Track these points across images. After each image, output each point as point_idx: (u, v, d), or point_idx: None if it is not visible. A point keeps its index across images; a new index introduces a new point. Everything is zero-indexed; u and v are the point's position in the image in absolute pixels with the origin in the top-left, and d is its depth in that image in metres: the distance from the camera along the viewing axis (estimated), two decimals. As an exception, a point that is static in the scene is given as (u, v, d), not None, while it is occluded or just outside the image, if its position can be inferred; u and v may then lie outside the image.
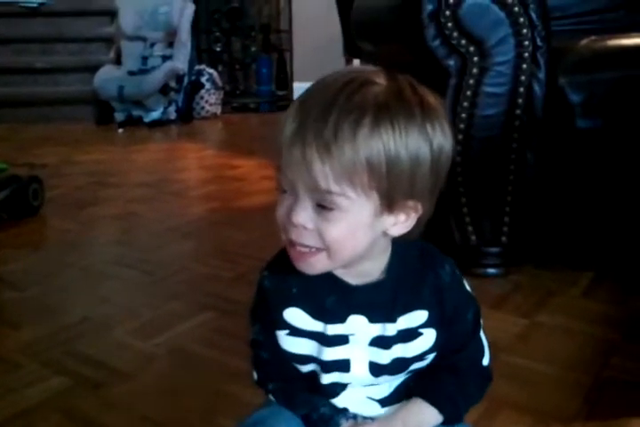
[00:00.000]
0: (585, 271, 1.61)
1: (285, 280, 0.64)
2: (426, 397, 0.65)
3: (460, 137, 1.48)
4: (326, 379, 0.66)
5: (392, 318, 0.63)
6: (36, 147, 3.50)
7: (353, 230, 0.57)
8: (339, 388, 0.67)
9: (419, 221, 0.60)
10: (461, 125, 1.48)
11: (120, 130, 4.05)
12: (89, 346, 1.30)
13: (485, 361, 0.69)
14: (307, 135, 0.54)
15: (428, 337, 0.64)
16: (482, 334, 0.69)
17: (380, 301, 0.63)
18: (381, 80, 0.57)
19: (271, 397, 0.70)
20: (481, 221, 1.55)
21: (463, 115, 1.47)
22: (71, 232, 2.08)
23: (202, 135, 4.12)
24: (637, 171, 1.47)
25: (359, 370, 0.65)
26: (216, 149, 3.64)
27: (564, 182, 1.54)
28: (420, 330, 0.64)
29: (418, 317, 0.63)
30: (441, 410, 0.65)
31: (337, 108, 0.54)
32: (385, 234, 0.60)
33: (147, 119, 4.18)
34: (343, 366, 0.65)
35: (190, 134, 4.07)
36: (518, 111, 1.46)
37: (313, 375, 0.67)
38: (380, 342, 0.64)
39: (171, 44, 4.39)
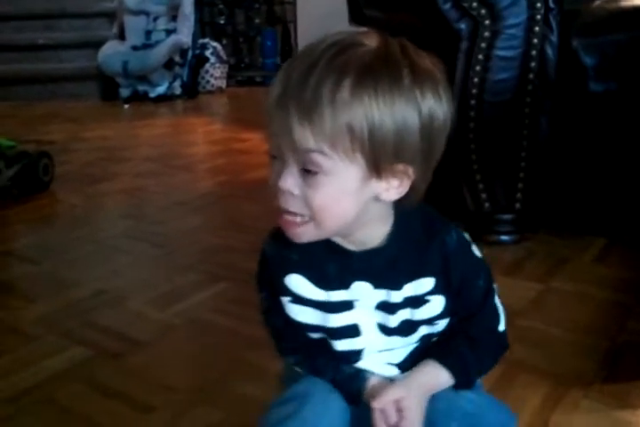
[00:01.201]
0: (597, 237, 1.60)
1: (286, 247, 0.62)
2: (441, 360, 0.64)
3: (473, 102, 1.46)
4: (339, 346, 0.65)
5: (398, 286, 0.62)
6: (42, 124, 3.49)
7: (338, 196, 0.55)
8: (353, 355, 0.66)
9: (414, 187, 0.58)
10: (474, 90, 1.46)
11: (126, 105, 4.04)
12: (105, 317, 1.31)
13: (501, 327, 0.67)
14: (288, 100, 0.53)
15: (436, 304, 0.63)
16: (496, 300, 0.67)
17: (381, 267, 0.62)
18: (370, 42, 0.54)
19: (298, 369, 0.69)
20: (494, 187, 1.54)
21: (475, 79, 1.45)
22: (81, 207, 2.09)
23: (208, 109, 4.10)
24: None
25: (369, 333, 0.64)
26: (222, 122, 3.63)
27: (577, 147, 1.53)
28: (428, 297, 0.63)
29: (424, 284, 0.62)
30: (454, 374, 0.64)
31: (317, 70, 0.52)
32: (377, 199, 0.58)
33: (152, 94, 4.16)
34: (352, 331, 0.64)
35: (196, 109, 4.05)
36: (531, 75, 1.44)
37: (326, 342, 0.66)
38: (386, 307, 0.63)
39: (174, 18, 4.35)
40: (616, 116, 1.47)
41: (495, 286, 0.67)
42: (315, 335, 0.66)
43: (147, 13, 4.39)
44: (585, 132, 1.51)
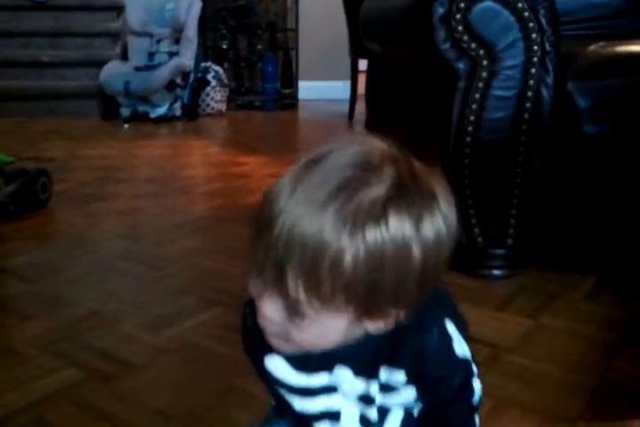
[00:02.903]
0: (588, 274, 1.63)
1: None
2: None
3: (468, 140, 1.50)
4: (318, 425, 0.64)
5: (375, 373, 0.61)
6: (41, 140, 3.52)
7: (323, 336, 0.55)
8: None
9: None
10: (469, 128, 1.49)
11: (125, 125, 4.07)
12: (99, 339, 1.32)
13: (475, 402, 0.66)
14: (285, 236, 0.50)
15: (408, 393, 0.63)
16: (474, 385, 0.65)
17: (362, 353, 0.60)
18: (381, 181, 0.51)
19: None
20: (487, 222, 1.57)
21: (471, 117, 1.49)
22: (79, 226, 2.10)
23: (207, 132, 4.14)
24: (643, 176, 1.49)
25: (349, 421, 0.64)
26: (221, 146, 3.66)
27: (570, 186, 1.56)
28: (398, 388, 0.62)
29: (396, 375, 0.61)
30: None
31: (327, 214, 0.50)
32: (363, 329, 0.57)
33: (152, 115, 4.20)
34: (333, 415, 0.63)
35: (195, 131, 4.09)
36: (526, 115, 1.48)
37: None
38: (367, 398, 0.62)
39: (177, 41, 4.41)
40: (608, 157, 1.51)
41: (475, 368, 0.66)
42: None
43: (150, 35, 4.45)
44: (577, 171, 1.54)
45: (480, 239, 1.58)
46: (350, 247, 0.49)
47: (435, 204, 0.53)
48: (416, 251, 0.51)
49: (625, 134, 1.48)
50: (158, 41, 4.44)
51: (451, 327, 0.62)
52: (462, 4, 1.44)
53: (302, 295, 0.51)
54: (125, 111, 4.21)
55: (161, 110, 4.23)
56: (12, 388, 1.14)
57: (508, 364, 1.23)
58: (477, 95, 1.49)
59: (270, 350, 0.61)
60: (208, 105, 4.48)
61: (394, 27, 1.84)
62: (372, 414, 0.63)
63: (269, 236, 0.51)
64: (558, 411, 1.08)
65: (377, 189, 0.51)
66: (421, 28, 1.52)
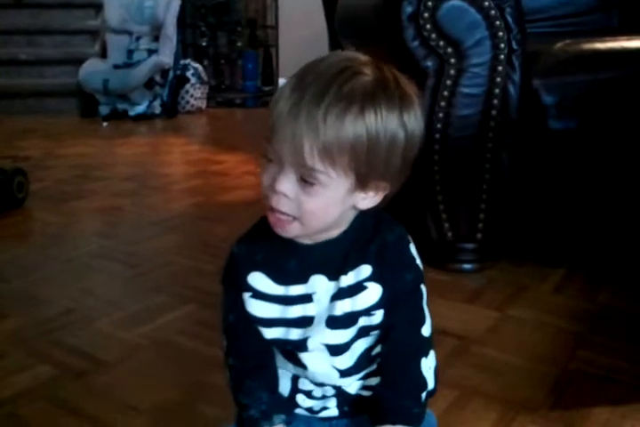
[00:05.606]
0: (556, 268, 1.66)
1: (252, 248, 0.72)
2: (385, 421, 0.71)
3: (437, 136, 1.52)
4: (292, 335, 0.72)
5: (344, 271, 0.70)
6: (19, 139, 3.50)
7: (327, 204, 0.65)
8: (301, 344, 0.72)
9: (385, 197, 0.68)
10: (438, 125, 1.52)
11: (104, 123, 4.06)
12: (73, 336, 1.33)
13: (426, 332, 0.73)
14: (299, 116, 0.60)
15: (373, 291, 0.70)
16: (424, 304, 0.73)
17: (333, 256, 0.70)
18: (369, 71, 0.64)
19: (227, 373, 0.76)
20: (457, 217, 1.59)
21: (440, 114, 1.52)
22: (55, 225, 2.11)
23: (186, 130, 4.13)
24: (607, 170, 1.52)
25: (319, 323, 0.71)
26: (200, 143, 3.66)
27: (537, 181, 1.59)
28: (365, 284, 0.70)
29: (363, 271, 0.70)
30: (404, 422, 0.71)
31: (329, 95, 0.60)
32: (354, 207, 0.68)
33: (131, 113, 4.19)
34: (307, 322, 0.71)
35: (175, 129, 4.08)
36: (494, 112, 1.51)
37: (276, 342, 0.73)
38: (338, 296, 0.70)
39: (156, 38, 4.39)
40: (574, 152, 1.54)
41: (424, 290, 0.73)
42: (270, 332, 0.72)
43: (129, 33, 4.44)
44: (544, 166, 1.57)
45: (450, 234, 1.60)
46: (348, 113, 0.61)
47: (414, 103, 0.65)
48: (402, 134, 0.64)
49: (590, 130, 1.51)
50: (137, 38, 4.42)
51: (409, 237, 0.73)
52: (430, 3, 1.46)
53: (317, 159, 0.61)
54: (104, 109, 4.19)
55: (140, 108, 4.21)
56: (-16, 385, 1.16)
57: (475, 355, 1.25)
58: (446, 93, 1.51)
59: (253, 268, 0.71)
60: (187, 102, 4.47)
61: (366, 25, 1.85)
62: (337, 310, 0.70)
63: (282, 105, 0.62)
64: (521, 400, 1.11)
65: (368, 76, 0.63)
66: (391, 26, 1.54)
